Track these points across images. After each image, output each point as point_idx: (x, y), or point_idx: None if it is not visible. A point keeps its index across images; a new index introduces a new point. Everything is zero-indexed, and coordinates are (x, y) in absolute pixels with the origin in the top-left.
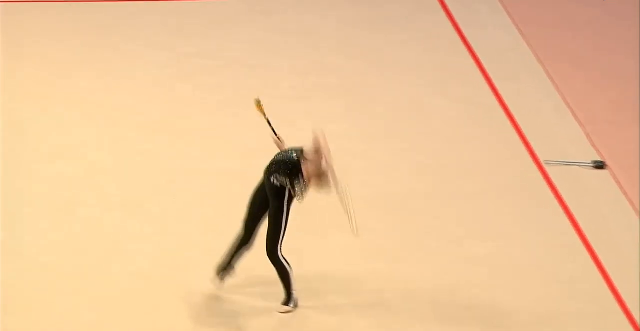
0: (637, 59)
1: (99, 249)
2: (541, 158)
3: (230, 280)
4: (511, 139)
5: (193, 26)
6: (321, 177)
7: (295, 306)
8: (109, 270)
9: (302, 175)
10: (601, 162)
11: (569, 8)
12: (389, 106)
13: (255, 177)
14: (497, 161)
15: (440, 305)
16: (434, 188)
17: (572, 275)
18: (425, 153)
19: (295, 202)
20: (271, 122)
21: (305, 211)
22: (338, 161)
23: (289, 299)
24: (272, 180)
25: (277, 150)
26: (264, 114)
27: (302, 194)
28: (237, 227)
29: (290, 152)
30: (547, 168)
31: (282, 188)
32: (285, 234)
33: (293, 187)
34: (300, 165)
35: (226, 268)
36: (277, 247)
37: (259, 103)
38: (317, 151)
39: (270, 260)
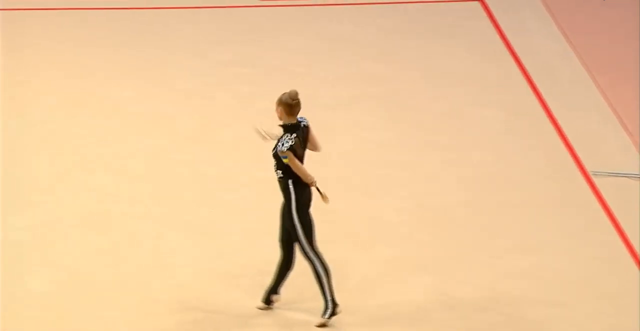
0: None
1: (136, 262)
2: (588, 169)
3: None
4: (558, 149)
5: (232, 33)
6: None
7: (331, 316)
8: (147, 283)
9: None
10: None
11: (618, 16)
12: (432, 115)
13: None
14: (543, 172)
15: (484, 318)
16: (477, 199)
17: (620, 289)
18: (469, 164)
19: (307, 200)
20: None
21: (348, 223)
22: (380, 172)
23: (325, 308)
24: (277, 175)
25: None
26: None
27: (281, 148)
28: (277, 238)
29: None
30: (595, 180)
31: (286, 183)
32: (312, 232)
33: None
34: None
35: (272, 293)
36: (303, 244)
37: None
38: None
39: (280, 270)
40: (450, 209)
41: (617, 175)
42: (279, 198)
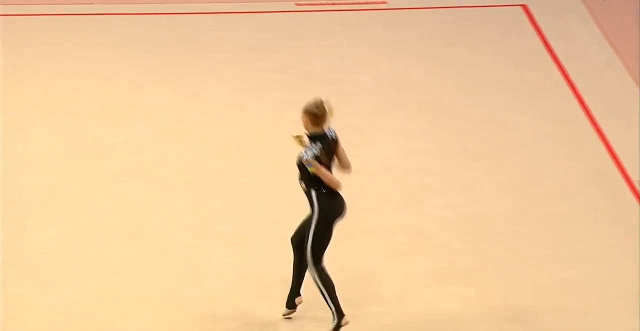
0: None
1: (168, 271)
2: (633, 178)
3: (300, 308)
4: (600, 157)
5: (268, 39)
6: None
7: (337, 328)
8: (178, 293)
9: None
10: None
11: None
12: (472, 123)
13: None
14: (586, 180)
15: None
16: (518, 208)
17: None
18: (510, 172)
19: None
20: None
21: (385, 232)
22: (418, 180)
23: (333, 319)
24: (301, 186)
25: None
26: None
27: (304, 157)
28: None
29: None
30: None
31: (310, 194)
32: (325, 247)
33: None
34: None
35: (294, 296)
36: (308, 255)
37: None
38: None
39: (295, 271)
40: (489, 218)
41: None
42: None
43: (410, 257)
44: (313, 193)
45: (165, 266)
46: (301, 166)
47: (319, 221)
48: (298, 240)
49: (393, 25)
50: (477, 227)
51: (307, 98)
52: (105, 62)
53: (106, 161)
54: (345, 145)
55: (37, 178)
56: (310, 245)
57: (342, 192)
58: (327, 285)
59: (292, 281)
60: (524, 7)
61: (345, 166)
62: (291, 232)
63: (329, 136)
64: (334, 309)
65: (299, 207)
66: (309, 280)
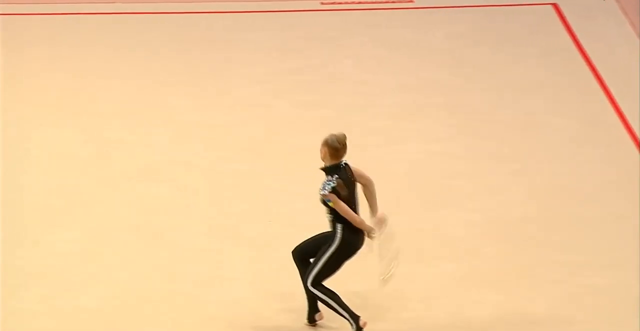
0: None
1: (189, 275)
2: None
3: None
4: (634, 160)
5: (292, 39)
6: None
7: (359, 330)
8: (201, 299)
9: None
10: None
11: None
12: (501, 125)
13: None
14: (618, 184)
15: None
16: (548, 213)
17: None
18: (540, 176)
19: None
20: None
21: (412, 236)
22: (445, 183)
23: (351, 325)
24: (327, 218)
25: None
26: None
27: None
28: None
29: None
30: None
31: (335, 227)
32: (328, 277)
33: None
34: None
35: (314, 312)
36: (310, 279)
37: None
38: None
39: (306, 291)
40: (519, 223)
41: None
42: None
43: (438, 262)
44: (339, 227)
45: (186, 271)
46: (324, 202)
47: (335, 252)
48: (303, 256)
49: (419, 24)
50: (506, 231)
51: (332, 99)
52: (126, 62)
53: (128, 163)
54: (370, 147)
55: (58, 180)
56: (317, 271)
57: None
58: (331, 296)
59: (307, 297)
60: (555, 5)
61: (368, 181)
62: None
63: (341, 165)
64: (347, 315)
65: (323, 210)
66: None
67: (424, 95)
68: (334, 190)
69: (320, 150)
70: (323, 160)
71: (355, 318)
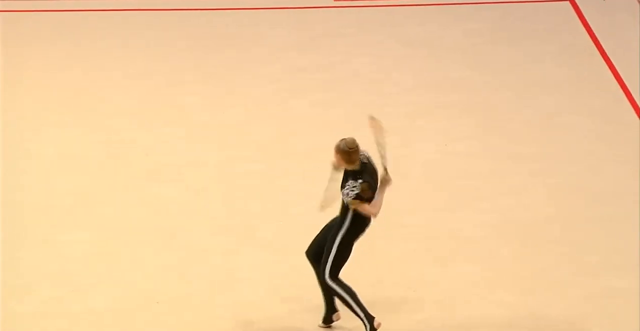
0: None
1: (202, 277)
2: None
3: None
4: None
5: (306, 36)
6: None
7: None
8: (212, 300)
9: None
10: None
11: None
12: (519, 124)
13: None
14: (639, 183)
15: None
16: (569, 213)
17: None
18: (560, 175)
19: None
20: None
21: (428, 237)
22: (463, 183)
23: (365, 326)
24: (343, 196)
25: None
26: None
27: (347, 194)
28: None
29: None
30: None
31: (347, 209)
32: (343, 264)
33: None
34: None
35: (331, 312)
36: (326, 270)
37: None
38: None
39: (321, 286)
40: (537, 223)
41: None
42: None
43: (456, 263)
44: (350, 212)
45: (198, 272)
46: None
47: (346, 236)
48: (316, 254)
49: (435, 21)
50: (524, 232)
51: (346, 98)
52: (138, 60)
53: (140, 163)
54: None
55: (68, 181)
56: (332, 260)
57: (386, 196)
58: (349, 292)
59: (324, 297)
60: (573, 2)
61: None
62: None
63: (363, 162)
64: (362, 315)
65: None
66: None
67: (442, 94)
68: (357, 196)
69: (335, 158)
70: (339, 167)
71: (370, 318)
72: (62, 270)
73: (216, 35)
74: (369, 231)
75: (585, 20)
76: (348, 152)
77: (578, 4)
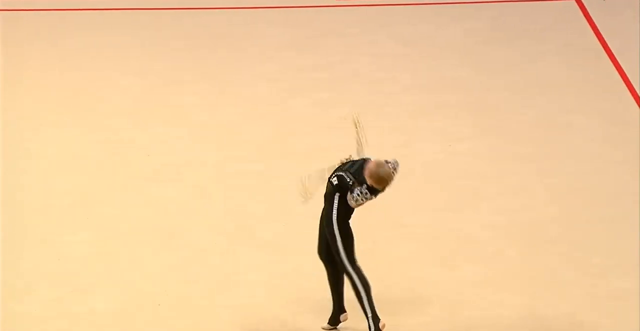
0: None
1: (204, 279)
2: None
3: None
4: None
5: (306, 35)
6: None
7: None
8: (213, 302)
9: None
10: None
11: None
12: (522, 124)
13: (375, 203)
14: None
15: None
16: (572, 214)
17: None
18: (563, 176)
19: (349, 207)
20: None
21: (432, 239)
22: (465, 184)
23: (368, 328)
24: (332, 180)
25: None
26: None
27: (356, 199)
28: (357, 257)
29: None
30: None
31: (335, 189)
32: (352, 244)
33: (353, 188)
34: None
35: (339, 313)
36: (342, 256)
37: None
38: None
39: (331, 284)
40: (542, 224)
41: None
42: (358, 214)
43: (459, 265)
44: (336, 196)
45: (200, 273)
46: (338, 185)
47: (339, 219)
48: (326, 249)
49: (435, 20)
50: (529, 233)
51: (347, 98)
52: (135, 60)
53: (139, 163)
54: (388, 147)
55: (69, 181)
56: (340, 242)
57: (387, 196)
58: (365, 287)
59: (333, 297)
60: (578, 1)
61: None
62: None
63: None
64: (370, 314)
65: None
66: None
67: (443, 93)
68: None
69: (373, 179)
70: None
71: (376, 319)
72: (62, 270)
73: (215, 34)
74: (369, 231)
75: (591, 18)
76: (377, 189)
77: (583, 2)
